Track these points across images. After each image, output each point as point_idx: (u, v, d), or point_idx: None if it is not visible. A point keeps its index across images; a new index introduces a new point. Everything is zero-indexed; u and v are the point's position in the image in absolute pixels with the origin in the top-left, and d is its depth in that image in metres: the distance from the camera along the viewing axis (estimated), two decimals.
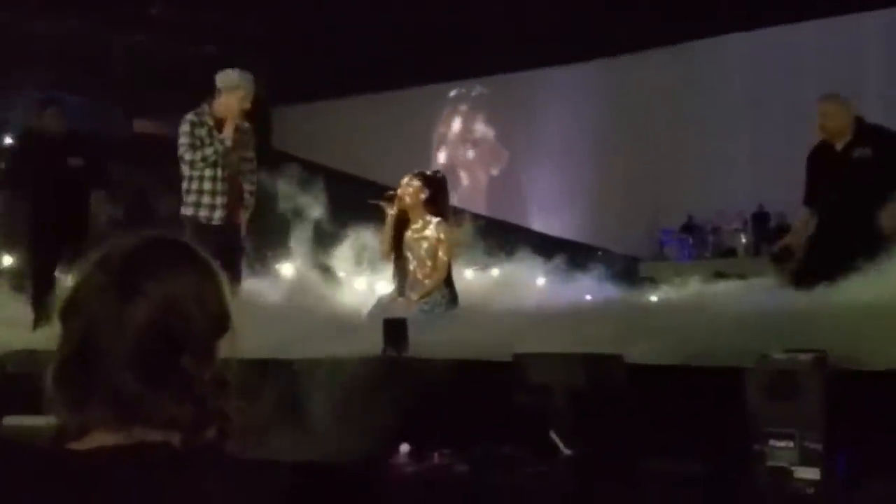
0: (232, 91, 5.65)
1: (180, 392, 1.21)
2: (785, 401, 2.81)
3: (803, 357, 2.88)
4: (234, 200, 5.79)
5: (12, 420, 4.19)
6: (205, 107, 5.72)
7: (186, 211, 5.69)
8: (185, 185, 5.71)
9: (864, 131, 5.72)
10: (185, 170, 5.66)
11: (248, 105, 5.74)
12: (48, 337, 1.31)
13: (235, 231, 5.84)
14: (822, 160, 5.85)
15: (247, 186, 5.95)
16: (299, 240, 7.61)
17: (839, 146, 5.74)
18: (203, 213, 5.67)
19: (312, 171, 7.60)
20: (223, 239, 5.59)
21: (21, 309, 6.01)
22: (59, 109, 6.54)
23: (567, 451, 3.32)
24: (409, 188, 5.82)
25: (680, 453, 3.11)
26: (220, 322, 1.29)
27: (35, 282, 5.98)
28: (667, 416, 3.29)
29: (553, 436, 3.35)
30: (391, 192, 5.92)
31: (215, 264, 1.33)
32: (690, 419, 3.26)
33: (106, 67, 9.23)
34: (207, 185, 5.66)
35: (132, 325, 1.21)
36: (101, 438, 1.20)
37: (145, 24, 9.58)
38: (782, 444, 2.78)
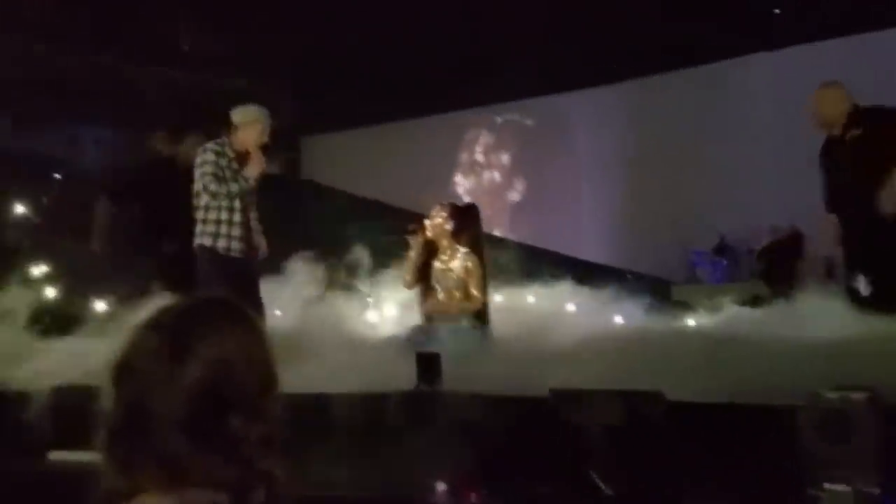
0: (251, 125, 5.63)
1: (228, 453, 1.21)
2: (838, 442, 2.70)
3: (856, 395, 2.77)
4: (250, 232, 5.77)
5: (58, 455, 4.20)
6: (225, 138, 5.69)
7: (204, 241, 5.59)
8: (201, 214, 5.61)
9: (858, 115, 5.48)
10: (204, 199, 5.56)
11: (266, 139, 5.71)
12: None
13: (252, 262, 5.81)
14: (825, 154, 5.69)
15: (252, 214, 5.91)
16: (328, 267, 7.61)
17: (836, 133, 5.56)
18: (221, 243, 5.61)
19: (341, 199, 7.62)
20: (242, 270, 5.57)
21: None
22: (198, 139, 6.13)
23: (608, 491, 3.23)
24: (436, 219, 5.79)
25: (725, 496, 3.01)
26: (268, 381, 1.29)
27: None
28: (711, 457, 3.18)
29: (593, 475, 3.27)
30: (414, 225, 5.90)
31: (262, 322, 1.34)
32: (736, 460, 3.15)
33: (138, 100, 9.36)
34: (224, 216, 5.61)
35: (183, 387, 1.21)
36: (150, 501, 1.20)
37: (175, 58, 9.71)
38: (837, 487, 2.67)
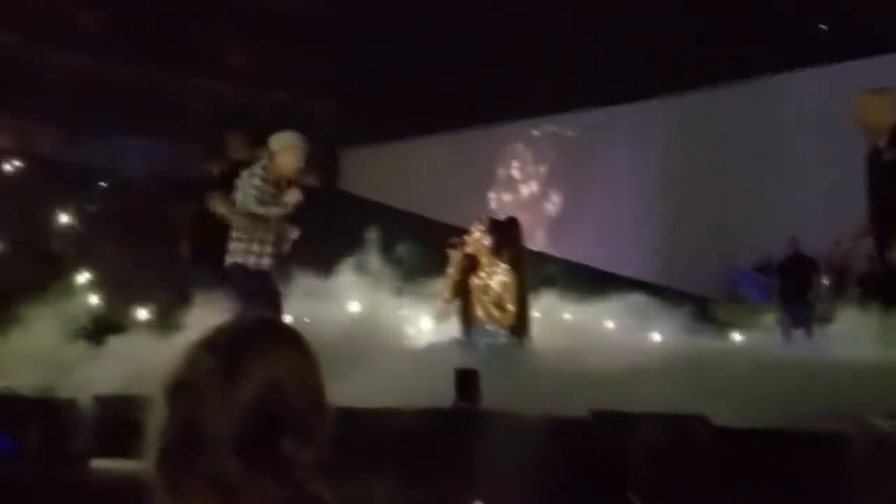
0: (288, 151, 5.77)
1: (279, 476, 1.20)
2: (887, 471, 2.63)
3: None
4: (279, 250, 5.88)
5: (100, 463, 4.26)
6: (265, 163, 5.77)
7: (237, 259, 5.73)
8: (235, 233, 5.75)
9: None
10: (243, 219, 5.71)
11: (302, 164, 5.84)
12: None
13: (275, 276, 5.94)
14: (868, 164, 5.45)
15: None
16: (366, 279, 7.62)
17: (880, 144, 5.31)
18: (252, 260, 5.75)
19: (379, 212, 7.64)
20: (267, 284, 5.69)
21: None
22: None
23: None
24: (474, 234, 5.79)
25: None
26: (318, 403, 1.28)
27: None
28: (755, 483, 3.11)
29: (633, 498, 3.22)
30: (455, 240, 5.90)
31: (311, 344, 1.32)
32: (783, 487, 3.08)
33: (183, 112, 9.52)
34: (259, 235, 5.75)
35: (237, 408, 1.20)
36: None
37: (221, 71, 9.86)
38: None
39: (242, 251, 5.72)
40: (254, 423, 1.20)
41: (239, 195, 5.70)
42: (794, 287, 8.65)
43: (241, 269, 5.71)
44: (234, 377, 1.21)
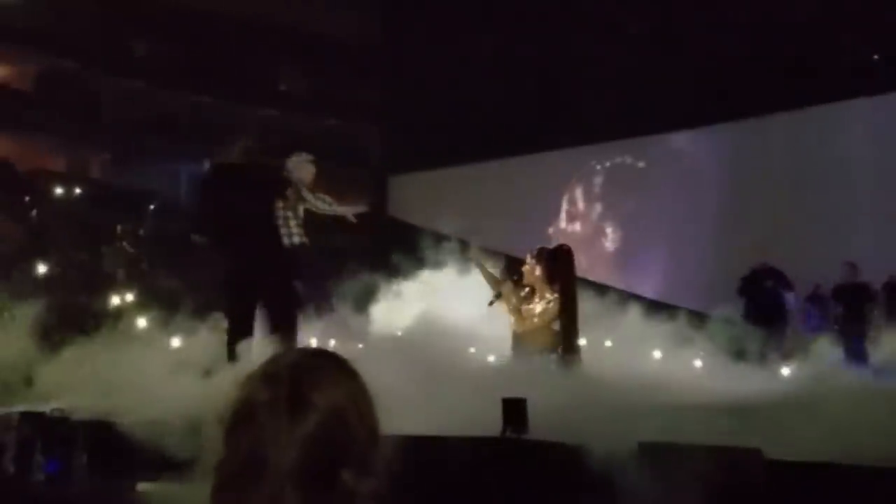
0: (301, 167, 7.07)
1: None
2: None
3: None
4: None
5: (147, 487, 4.30)
6: (299, 186, 6.88)
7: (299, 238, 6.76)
8: (298, 220, 6.79)
9: None
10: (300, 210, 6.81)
11: (313, 174, 7.17)
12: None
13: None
14: None
15: None
16: (414, 305, 7.63)
17: None
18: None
19: (428, 238, 7.66)
20: None
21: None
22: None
23: None
24: (526, 263, 5.84)
25: None
26: (375, 434, 1.28)
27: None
28: None
29: None
30: (500, 266, 5.96)
31: (362, 374, 1.32)
32: None
33: (235, 139, 9.69)
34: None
35: (299, 438, 1.20)
36: None
37: (273, 99, 10.02)
38: None
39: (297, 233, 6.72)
40: (315, 454, 1.20)
41: (320, 204, 6.98)
42: (852, 315, 8.48)
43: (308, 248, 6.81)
44: (297, 408, 1.21)
